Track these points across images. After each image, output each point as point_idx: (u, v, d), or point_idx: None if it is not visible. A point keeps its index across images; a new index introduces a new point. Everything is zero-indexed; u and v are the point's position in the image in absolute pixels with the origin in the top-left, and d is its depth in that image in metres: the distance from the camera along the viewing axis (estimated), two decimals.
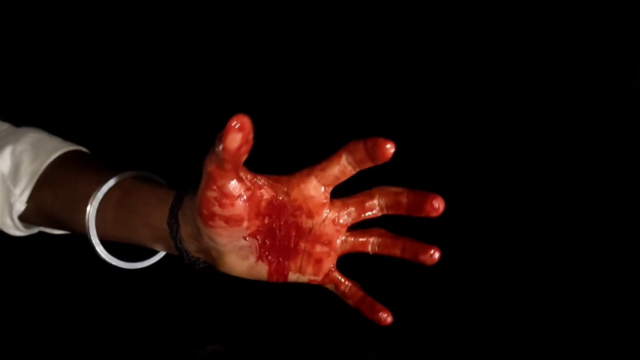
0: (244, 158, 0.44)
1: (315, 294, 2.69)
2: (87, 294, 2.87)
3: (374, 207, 0.50)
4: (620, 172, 3.05)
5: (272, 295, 3.05)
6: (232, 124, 0.41)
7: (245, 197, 0.47)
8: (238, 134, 0.41)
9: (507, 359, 2.46)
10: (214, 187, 0.46)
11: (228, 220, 0.47)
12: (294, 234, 0.50)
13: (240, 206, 0.47)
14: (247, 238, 0.50)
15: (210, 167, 0.45)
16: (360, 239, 0.51)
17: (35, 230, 0.66)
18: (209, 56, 4.18)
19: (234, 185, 0.46)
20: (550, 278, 2.84)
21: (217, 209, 0.47)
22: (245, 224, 0.49)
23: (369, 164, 0.47)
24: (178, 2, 3.97)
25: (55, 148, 0.63)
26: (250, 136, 0.42)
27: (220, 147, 0.42)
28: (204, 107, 4.26)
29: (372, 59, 3.84)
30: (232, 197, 0.46)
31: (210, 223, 0.48)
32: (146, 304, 2.94)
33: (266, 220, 0.49)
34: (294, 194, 0.49)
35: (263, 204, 0.49)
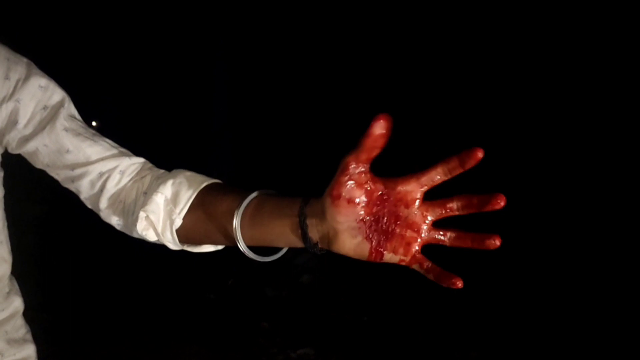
0: (377, 153, 0.60)
1: (315, 294, 2.67)
2: (89, 296, 2.89)
3: (453, 207, 0.63)
4: (620, 172, 3.04)
5: (274, 294, 3.06)
6: (379, 118, 0.57)
7: (365, 187, 0.62)
8: (383, 124, 0.58)
9: (506, 356, 2.48)
10: (347, 173, 0.61)
11: (349, 201, 0.62)
12: (392, 220, 0.64)
13: (360, 193, 0.62)
14: (358, 221, 0.64)
15: (348, 157, 0.60)
16: (441, 232, 0.64)
17: (180, 247, 0.84)
18: (210, 57, 4.18)
19: (360, 175, 0.61)
20: (550, 277, 2.84)
21: (344, 191, 0.62)
22: (359, 208, 0.63)
23: (459, 171, 0.60)
24: (179, 5, 3.98)
25: (202, 181, 0.82)
26: (389, 132, 0.58)
27: (364, 137, 0.58)
28: (204, 106, 4.26)
29: (378, 63, 3.84)
30: (357, 184, 0.62)
31: (337, 202, 0.62)
32: (147, 304, 2.95)
33: (375, 209, 0.63)
34: (398, 189, 0.63)
35: (376, 195, 0.63)
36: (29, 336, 1.01)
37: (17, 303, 0.98)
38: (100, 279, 2.83)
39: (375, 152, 0.60)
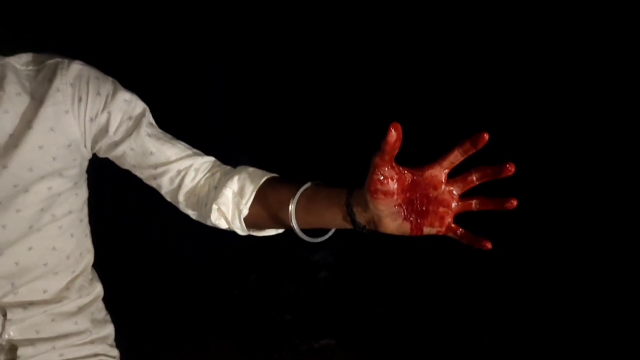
0: (396, 152, 0.72)
1: (333, 289, 2.69)
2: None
3: (472, 179, 0.75)
4: (619, 173, 3.06)
5: (276, 293, 3.08)
6: (391, 128, 0.68)
7: (396, 178, 0.74)
8: (395, 133, 0.69)
9: (517, 343, 2.49)
10: (378, 172, 0.73)
11: (386, 193, 0.75)
12: (425, 201, 0.75)
13: (393, 184, 0.74)
14: (396, 206, 0.76)
15: (376, 159, 0.73)
16: (468, 201, 0.76)
17: (247, 233, 0.98)
18: (210, 57, 4.19)
19: (389, 170, 0.74)
20: (550, 278, 2.85)
21: (379, 186, 0.74)
22: (396, 196, 0.75)
23: (472, 151, 0.72)
24: (179, 5, 3.99)
25: (263, 175, 0.97)
26: (401, 135, 0.70)
27: (383, 144, 0.70)
28: (204, 106, 4.26)
29: (380, 65, 3.87)
30: (388, 178, 0.74)
31: (375, 196, 0.75)
32: (174, 301, 2.93)
33: (408, 194, 0.75)
34: (425, 175, 0.75)
35: (406, 183, 0.75)
36: (108, 317, 1.18)
37: (99, 288, 1.16)
38: (128, 279, 2.86)
39: (395, 152, 0.72)
